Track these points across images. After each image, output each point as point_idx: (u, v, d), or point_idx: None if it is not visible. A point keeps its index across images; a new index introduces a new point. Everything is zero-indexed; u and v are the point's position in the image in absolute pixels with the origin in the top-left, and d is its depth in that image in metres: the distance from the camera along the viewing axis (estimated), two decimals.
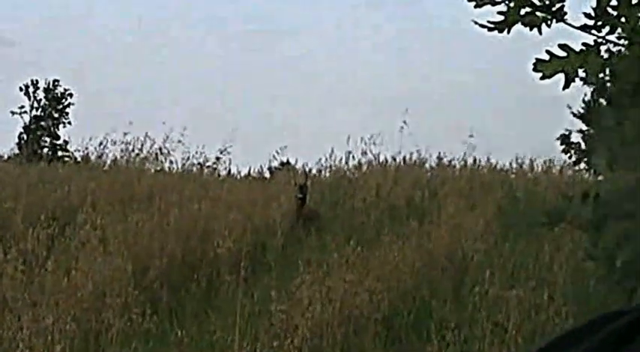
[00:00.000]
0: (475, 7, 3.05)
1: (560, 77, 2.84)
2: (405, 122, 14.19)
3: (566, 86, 2.86)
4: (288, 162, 17.58)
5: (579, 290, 8.85)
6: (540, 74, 2.84)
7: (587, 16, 3.07)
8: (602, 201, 3.02)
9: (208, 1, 35.31)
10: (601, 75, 3.04)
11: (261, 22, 35.50)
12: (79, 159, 17.23)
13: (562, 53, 2.86)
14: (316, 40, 33.08)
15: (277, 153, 15.39)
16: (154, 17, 34.57)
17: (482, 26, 3.08)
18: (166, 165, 15.16)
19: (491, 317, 7.98)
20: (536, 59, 2.84)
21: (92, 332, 7.85)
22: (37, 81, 28.22)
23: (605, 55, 2.96)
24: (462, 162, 15.05)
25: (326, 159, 15.07)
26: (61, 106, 28.35)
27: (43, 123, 28.19)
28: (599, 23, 3.05)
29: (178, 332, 7.83)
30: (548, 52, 2.85)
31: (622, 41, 3.14)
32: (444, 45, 32.28)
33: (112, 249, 9.26)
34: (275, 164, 16.87)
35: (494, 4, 3.05)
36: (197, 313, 8.60)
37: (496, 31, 3.03)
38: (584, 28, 3.04)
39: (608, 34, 3.08)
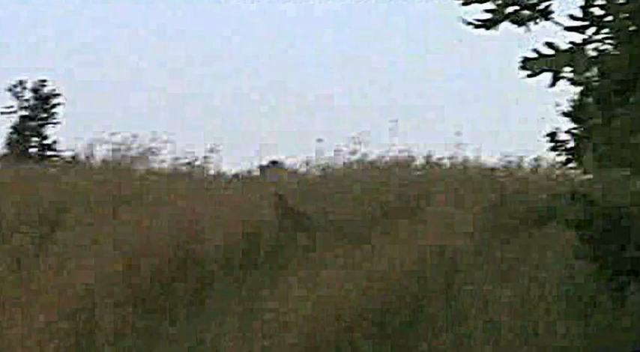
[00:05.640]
0: (463, 4, 3.10)
1: (547, 76, 2.88)
2: (395, 121, 14.23)
3: (553, 84, 2.90)
4: (277, 161, 17.59)
5: (569, 288, 8.90)
6: (528, 72, 2.88)
7: (573, 17, 3.11)
8: (590, 200, 3.07)
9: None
10: (588, 74, 3.08)
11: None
12: (68, 159, 17.19)
13: (549, 51, 2.90)
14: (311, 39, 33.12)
15: (266, 152, 15.36)
16: (139, 16, 34.55)
17: (470, 24, 3.13)
18: (155, 164, 15.13)
19: (483, 316, 8.02)
20: (524, 57, 2.88)
21: (84, 330, 7.87)
22: (24, 81, 28.13)
23: (592, 54, 2.99)
24: (451, 161, 15.07)
25: (315, 158, 15.06)
26: (48, 106, 28.28)
27: (31, 123, 28.13)
28: (586, 23, 3.08)
29: (170, 329, 7.86)
30: (535, 50, 2.89)
31: (609, 40, 3.18)
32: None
33: (103, 248, 9.27)
34: (264, 163, 16.87)
35: (481, 1, 3.09)
36: (188, 311, 8.62)
37: (483, 29, 3.08)
38: (571, 28, 3.08)
39: (594, 34, 3.11)
